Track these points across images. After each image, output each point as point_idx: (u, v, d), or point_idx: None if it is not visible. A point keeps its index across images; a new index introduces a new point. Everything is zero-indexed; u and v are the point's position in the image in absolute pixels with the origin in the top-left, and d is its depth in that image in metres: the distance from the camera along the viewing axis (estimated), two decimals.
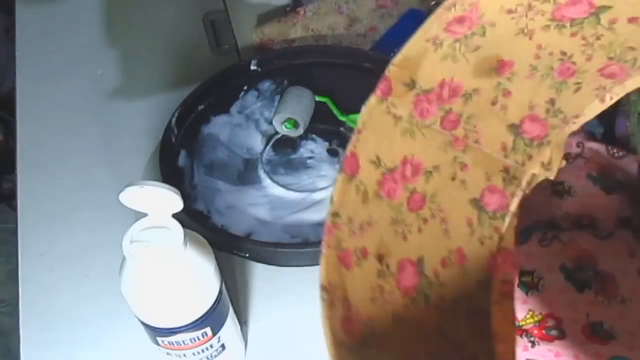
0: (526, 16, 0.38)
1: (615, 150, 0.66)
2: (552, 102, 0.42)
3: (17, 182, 0.70)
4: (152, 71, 0.81)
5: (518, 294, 0.57)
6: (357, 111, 0.74)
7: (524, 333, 0.56)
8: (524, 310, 0.57)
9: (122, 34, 0.86)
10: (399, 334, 0.41)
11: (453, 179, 0.43)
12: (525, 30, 0.39)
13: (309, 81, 0.74)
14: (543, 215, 0.63)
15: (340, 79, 0.76)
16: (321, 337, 0.57)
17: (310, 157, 0.69)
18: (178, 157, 0.69)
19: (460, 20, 0.39)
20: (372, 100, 0.41)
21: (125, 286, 0.44)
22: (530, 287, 0.58)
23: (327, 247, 0.39)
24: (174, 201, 0.42)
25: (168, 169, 0.67)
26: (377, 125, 0.42)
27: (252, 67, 0.76)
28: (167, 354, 0.49)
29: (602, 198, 0.63)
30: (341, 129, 0.71)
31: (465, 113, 0.41)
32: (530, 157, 0.44)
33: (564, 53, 0.40)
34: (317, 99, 0.73)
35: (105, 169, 0.70)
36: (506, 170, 0.44)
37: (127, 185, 0.41)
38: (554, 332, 0.56)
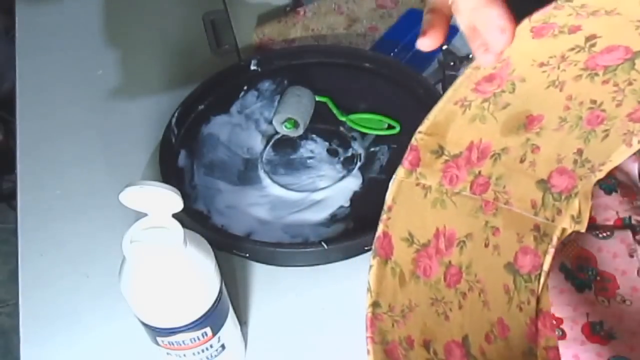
0: (558, 68, 0.37)
1: None
2: (579, 152, 0.42)
3: (17, 182, 0.70)
4: (152, 71, 0.81)
5: None
6: (357, 111, 0.75)
7: None
8: None
9: (122, 34, 0.86)
10: None
11: (486, 245, 0.43)
12: (557, 82, 0.38)
13: (309, 81, 0.74)
14: None
15: (340, 79, 0.76)
16: (320, 337, 0.57)
17: (310, 157, 0.69)
18: (178, 157, 0.69)
19: (489, 79, 0.37)
20: (400, 172, 0.40)
21: (125, 286, 0.44)
22: None
23: (373, 343, 0.37)
24: (174, 201, 0.42)
25: (168, 169, 0.67)
26: (406, 199, 0.40)
27: (252, 67, 0.76)
28: (167, 354, 0.49)
29: (602, 198, 0.63)
30: (341, 129, 0.71)
31: (495, 174, 0.41)
32: (559, 212, 0.44)
33: (594, 101, 0.40)
34: (317, 99, 0.73)
35: (105, 169, 0.70)
36: (537, 228, 0.44)
37: (127, 185, 0.41)
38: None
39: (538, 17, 0.33)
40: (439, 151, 0.40)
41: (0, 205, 1.56)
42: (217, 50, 0.83)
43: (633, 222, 0.62)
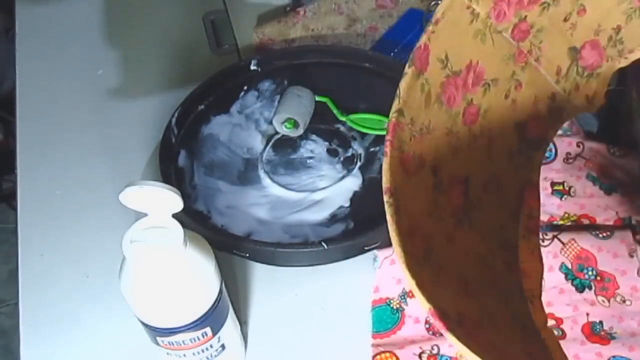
0: None
1: (615, 149, 0.66)
2: (618, 29, 0.42)
3: (17, 182, 0.70)
4: (152, 71, 0.81)
5: None
6: (357, 111, 0.75)
7: None
8: None
9: (122, 34, 0.86)
10: (452, 256, 0.40)
11: (506, 96, 0.43)
12: None
13: (309, 81, 0.74)
14: (543, 215, 0.63)
15: (340, 79, 0.76)
16: (320, 337, 0.57)
17: (310, 157, 0.69)
18: (178, 157, 0.69)
19: None
20: None
21: (125, 286, 0.44)
22: None
23: (391, 147, 0.37)
24: (174, 201, 0.42)
25: (168, 169, 0.67)
26: (454, 19, 0.39)
27: (252, 67, 0.76)
28: (167, 354, 0.49)
29: (602, 198, 0.63)
30: (341, 129, 0.71)
31: (537, 25, 0.40)
32: (577, 88, 0.44)
33: None
34: (317, 99, 0.73)
35: (105, 169, 0.70)
36: (553, 97, 0.44)
37: (127, 185, 0.41)
38: (554, 332, 0.56)
39: None
40: None
41: (0, 205, 1.56)
42: (217, 50, 0.83)
43: (633, 222, 0.62)
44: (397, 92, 0.38)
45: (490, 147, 0.43)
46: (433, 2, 0.82)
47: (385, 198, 0.37)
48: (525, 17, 0.41)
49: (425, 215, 0.39)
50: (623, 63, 0.44)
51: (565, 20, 0.41)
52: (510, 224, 0.44)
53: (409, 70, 0.38)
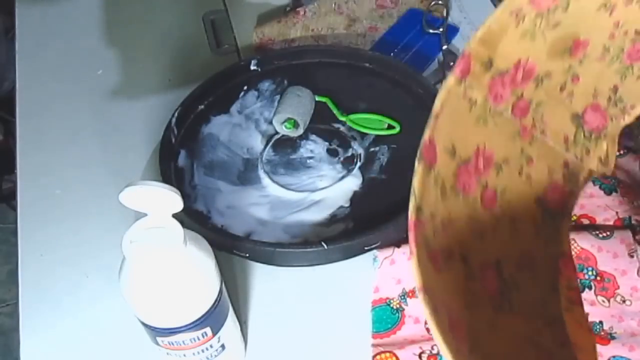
0: None
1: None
2: (615, 89, 0.42)
3: (17, 182, 0.70)
4: (152, 71, 0.81)
5: None
6: (357, 111, 0.75)
7: None
8: None
9: (122, 34, 0.86)
10: (499, 343, 0.39)
11: (520, 173, 0.43)
12: (608, 5, 0.38)
13: (309, 81, 0.74)
14: None
15: (340, 79, 0.76)
16: (320, 337, 0.57)
17: (310, 157, 0.69)
18: (178, 157, 0.69)
19: None
20: (451, 80, 0.39)
21: (125, 286, 0.44)
22: None
23: (417, 246, 0.36)
24: (174, 201, 0.42)
25: (168, 169, 0.67)
26: (453, 109, 0.40)
27: (252, 67, 0.76)
28: (167, 354, 0.49)
29: (602, 198, 0.63)
30: (341, 129, 0.71)
31: (535, 99, 0.41)
32: (588, 152, 0.44)
33: (638, 32, 0.40)
34: (317, 99, 0.73)
35: (105, 169, 0.70)
36: (566, 165, 0.44)
37: (127, 185, 0.41)
38: None
39: None
40: (488, 64, 0.39)
41: (0, 205, 1.56)
42: (217, 50, 0.83)
43: (633, 222, 0.62)
44: (412, 190, 0.38)
45: (515, 226, 0.43)
46: (433, 2, 0.82)
47: (421, 296, 0.35)
48: (522, 94, 0.41)
49: (463, 308, 0.39)
50: (627, 120, 0.45)
51: (562, 90, 0.41)
52: (551, 299, 0.44)
53: (419, 167, 0.38)
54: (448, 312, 0.37)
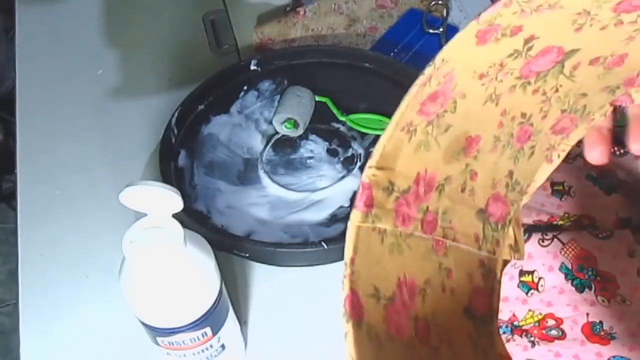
0: (496, 79, 0.37)
1: (616, 149, 0.66)
2: (510, 175, 0.42)
3: (17, 182, 0.70)
4: (152, 71, 0.81)
5: (518, 293, 0.57)
6: (357, 111, 0.75)
7: (524, 333, 0.56)
8: (524, 310, 0.57)
9: (122, 34, 0.86)
10: None
11: (443, 290, 0.41)
12: (493, 96, 0.38)
13: (309, 81, 0.74)
14: (543, 215, 0.63)
15: (340, 79, 0.76)
16: (320, 337, 0.57)
17: (310, 157, 0.69)
18: (178, 157, 0.69)
19: (433, 97, 0.36)
20: (356, 217, 0.36)
21: (125, 286, 0.44)
22: (530, 287, 0.57)
23: None
24: (174, 201, 0.42)
25: (168, 169, 0.67)
26: (366, 248, 0.37)
27: (252, 67, 0.76)
28: (167, 354, 0.49)
29: (602, 198, 0.63)
30: (341, 129, 0.71)
31: (441, 208, 0.39)
32: (498, 244, 0.43)
33: (524, 115, 0.40)
34: (317, 99, 0.73)
35: (105, 169, 0.70)
36: (482, 264, 0.43)
37: (127, 185, 0.41)
38: (554, 332, 0.56)
39: (486, 16, 0.33)
40: (390, 187, 0.37)
41: (0, 205, 1.56)
42: (217, 50, 0.83)
43: (633, 222, 0.62)
44: (349, 357, 0.34)
45: (454, 350, 0.40)
46: (433, 2, 0.82)
47: None
48: (427, 207, 0.39)
49: None
50: (526, 199, 0.45)
51: (463, 190, 0.40)
52: None
53: (349, 327, 0.34)
54: None
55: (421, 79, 0.36)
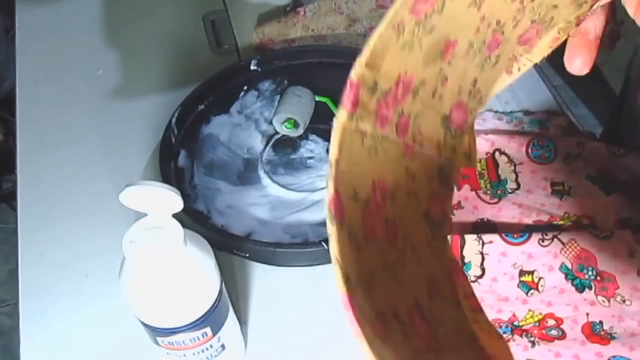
0: None
1: (616, 149, 0.66)
2: (474, 82, 0.43)
3: (17, 182, 0.70)
4: (152, 71, 0.81)
5: (518, 293, 0.57)
6: None
7: (524, 333, 0.56)
8: (524, 310, 0.57)
9: (122, 34, 0.86)
10: None
11: (408, 194, 0.41)
12: (477, 0, 0.38)
13: (309, 81, 0.74)
14: (543, 215, 0.63)
15: (340, 79, 0.75)
16: (320, 337, 0.57)
17: (310, 157, 0.69)
18: (178, 157, 0.69)
19: None
20: (342, 116, 0.36)
21: (125, 286, 0.44)
22: (530, 287, 0.58)
23: (360, 325, 0.32)
24: (174, 201, 0.42)
25: (168, 169, 0.67)
26: (349, 150, 0.37)
27: (252, 67, 0.76)
28: (167, 354, 0.49)
29: (602, 198, 0.63)
30: None
31: (413, 112, 0.40)
32: (454, 151, 0.44)
33: (498, 22, 0.40)
34: (317, 99, 0.73)
35: (105, 169, 0.70)
36: (440, 171, 0.44)
37: (127, 185, 0.41)
38: (554, 332, 0.56)
39: None
40: (374, 87, 0.37)
41: (0, 205, 1.56)
42: (217, 50, 0.83)
43: (633, 222, 0.62)
44: (334, 258, 0.33)
45: (416, 253, 0.41)
46: None
47: None
48: (403, 110, 0.39)
49: None
50: (480, 109, 0.45)
51: (434, 95, 0.41)
52: (461, 317, 0.43)
53: (333, 229, 0.34)
54: None
55: None
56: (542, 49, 0.41)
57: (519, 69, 0.42)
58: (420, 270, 0.41)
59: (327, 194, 0.35)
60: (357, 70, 0.36)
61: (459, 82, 0.42)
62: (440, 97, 0.41)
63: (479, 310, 0.43)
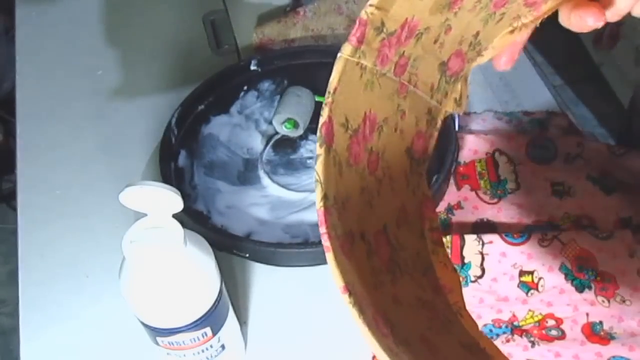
0: None
1: (616, 148, 0.66)
2: (476, 35, 0.44)
3: (17, 182, 0.70)
4: (152, 71, 0.81)
5: (518, 294, 0.57)
6: None
7: (524, 333, 0.56)
8: (523, 310, 0.57)
9: (122, 34, 0.86)
10: (406, 318, 0.40)
11: (395, 129, 0.44)
12: None
13: (309, 81, 0.74)
14: (543, 215, 0.63)
15: None
16: (320, 337, 0.57)
17: (310, 157, 0.69)
18: (178, 157, 0.69)
19: None
20: (347, 50, 0.39)
21: (125, 286, 0.44)
22: (530, 287, 0.58)
23: (330, 239, 0.36)
24: (174, 201, 0.42)
25: (168, 169, 0.67)
26: (347, 80, 0.40)
27: (252, 67, 0.76)
28: (167, 354, 0.49)
29: (601, 198, 0.63)
30: None
31: (413, 55, 0.42)
32: (446, 95, 0.46)
33: None
34: (317, 99, 0.73)
35: (105, 169, 0.70)
36: (429, 111, 0.46)
37: (127, 185, 0.41)
38: (554, 332, 0.56)
39: None
40: (380, 28, 0.39)
41: (0, 205, 1.56)
42: (217, 50, 0.83)
43: (633, 222, 0.62)
44: (317, 177, 0.37)
45: (393, 184, 0.44)
46: None
47: (345, 299, 0.35)
48: (404, 52, 0.41)
49: (373, 290, 0.39)
50: (479, 61, 0.47)
51: (435, 42, 0.43)
52: (422, 247, 0.45)
53: (321, 150, 0.37)
54: (368, 304, 0.36)
55: None
56: (546, 12, 0.41)
57: (519, 29, 0.43)
58: (394, 200, 0.43)
59: (320, 119, 0.38)
60: (368, 10, 0.38)
61: (461, 33, 0.43)
62: (442, 44, 0.43)
63: (441, 245, 0.45)
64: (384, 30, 0.39)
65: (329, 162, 0.38)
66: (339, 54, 0.39)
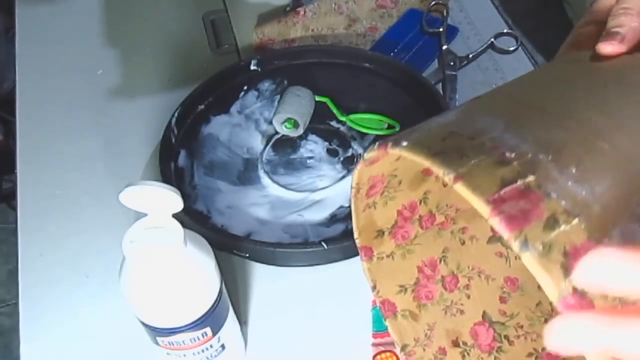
0: None
1: None
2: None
3: (17, 182, 0.70)
4: (152, 71, 0.81)
5: None
6: (357, 111, 0.75)
7: None
8: None
9: (122, 34, 0.86)
10: None
11: (462, 243, 0.48)
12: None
13: (309, 81, 0.74)
14: None
15: (340, 79, 0.76)
16: (320, 337, 0.57)
17: (310, 157, 0.69)
18: (178, 157, 0.69)
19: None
20: (364, 265, 0.47)
21: (125, 286, 0.44)
22: None
23: None
24: (174, 201, 0.42)
25: (168, 169, 0.67)
26: (380, 270, 0.46)
27: (252, 67, 0.76)
28: (167, 354, 0.49)
29: None
30: (341, 129, 0.71)
31: (431, 203, 0.48)
32: None
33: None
34: (317, 99, 0.73)
35: (105, 169, 0.70)
36: None
37: (127, 185, 0.41)
38: None
39: None
40: (380, 232, 0.46)
41: (0, 205, 1.56)
42: (217, 50, 0.83)
43: None
44: (394, 339, 0.47)
45: (485, 275, 0.49)
46: (433, 3, 0.82)
47: None
48: (420, 216, 0.48)
49: None
50: None
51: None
52: None
53: (388, 322, 0.48)
54: None
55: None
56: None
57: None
58: (491, 284, 0.48)
59: (377, 305, 0.47)
60: (356, 240, 0.47)
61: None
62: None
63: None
64: (385, 230, 0.47)
65: (398, 323, 0.47)
66: (362, 264, 0.48)
